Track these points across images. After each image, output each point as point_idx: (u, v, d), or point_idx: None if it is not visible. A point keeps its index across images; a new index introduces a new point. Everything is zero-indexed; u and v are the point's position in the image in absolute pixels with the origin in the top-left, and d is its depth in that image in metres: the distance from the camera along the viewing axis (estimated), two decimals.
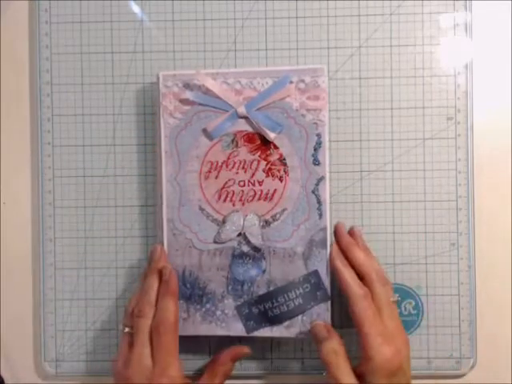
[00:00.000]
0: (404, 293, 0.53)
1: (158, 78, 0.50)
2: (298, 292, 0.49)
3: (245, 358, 0.53)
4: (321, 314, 0.49)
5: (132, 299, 0.49)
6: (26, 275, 0.55)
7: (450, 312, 0.53)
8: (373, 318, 0.46)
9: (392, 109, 0.53)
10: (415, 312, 0.53)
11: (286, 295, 0.49)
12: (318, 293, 0.49)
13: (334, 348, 0.46)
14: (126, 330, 0.48)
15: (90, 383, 0.54)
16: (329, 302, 0.49)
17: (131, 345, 0.47)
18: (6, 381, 0.55)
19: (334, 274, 0.48)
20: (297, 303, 0.49)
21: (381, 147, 0.53)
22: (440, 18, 0.53)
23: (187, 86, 0.50)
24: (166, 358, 0.45)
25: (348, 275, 0.47)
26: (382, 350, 0.45)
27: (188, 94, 0.49)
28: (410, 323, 0.53)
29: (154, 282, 0.48)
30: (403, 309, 0.53)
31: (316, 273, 0.49)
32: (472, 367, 0.53)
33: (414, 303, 0.53)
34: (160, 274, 0.48)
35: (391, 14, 0.53)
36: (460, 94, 0.53)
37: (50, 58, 0.54)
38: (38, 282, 0.54)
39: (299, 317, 0.49)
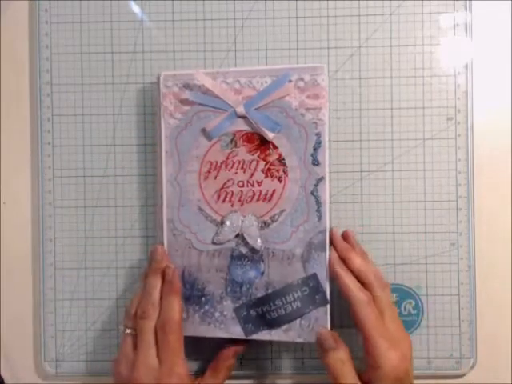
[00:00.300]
0: (404, 293, 0.53)
1: (159, 78, 0.50)
2: (296, 295, 0.48)
3: (245, 358, 0.53)
4: (319, 318, 0.48)
5: (133, 300, 0.48)
6: (26, 275, 0.55)
7: (450, 312, 0.53)
8: (377, 323, 0.46)
9: (392, 109, 0.53)
10: (415, 312, 0.53)
11: (283, 298, 0.48)
12: (316, 296, 0.48)
13: (342, 358, 0.46)
14: (128, 331, 0.47)
15: (89, 383, 0.55)
16: (328, 306, 0.48)
17: (134, 346, 0.47)
18: (6, 381, 0.55)
19: (334, 279, 0.48)
20: (295, 307, 0.48)
21: (381, 147, 0.53)
22: (440, 17, 0.53)
23: (187, 86, 0.50)
24: (172, 357, 0.45)
25: (349, 281, 0.47)
26: (388, 355, 0.45)
27: (188, 94, 0.49)
28: (410, 323, 0.53)
29: (156, 283, 0.48)
30: (403, 309, 0.53)
31: (315, 276, 0.48)
32: (472, 367, 0.53)
33: (414, 303, 0.53)
34: (162, 273, 0.48)
35: (391, 14, 0.53)
36: (460, 94, 0.53)
37: (50, 58, 0.54)
38: (38, 282, 0.54)
39: (297, 320, 0.48)
